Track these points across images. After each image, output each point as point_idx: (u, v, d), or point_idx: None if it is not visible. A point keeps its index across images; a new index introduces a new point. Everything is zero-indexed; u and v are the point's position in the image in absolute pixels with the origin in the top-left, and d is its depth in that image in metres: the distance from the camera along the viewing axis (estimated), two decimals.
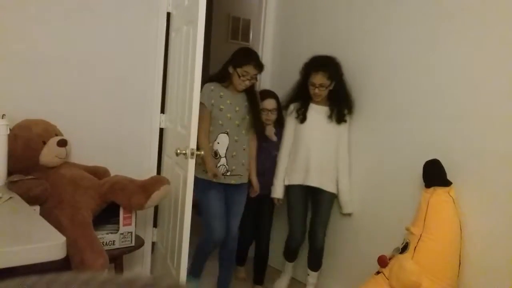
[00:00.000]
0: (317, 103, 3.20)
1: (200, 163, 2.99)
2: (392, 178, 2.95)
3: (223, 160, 3.03)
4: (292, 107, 3.27)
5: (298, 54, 3.58)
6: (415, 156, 2.74)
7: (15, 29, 2.85)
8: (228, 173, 3.05)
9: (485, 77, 2.45)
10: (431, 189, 2.53)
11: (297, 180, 3.23)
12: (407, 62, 2.87)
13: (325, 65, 3.12)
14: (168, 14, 3.36)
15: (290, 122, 3.27)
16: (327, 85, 3.11)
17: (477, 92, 2.48)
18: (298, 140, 3.24)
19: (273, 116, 3.29)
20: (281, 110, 3.35)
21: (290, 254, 3.37)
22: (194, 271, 3.19)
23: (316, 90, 3.11)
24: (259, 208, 3.42)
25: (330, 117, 3.17)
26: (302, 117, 3.20)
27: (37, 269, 1.58)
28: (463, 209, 2.50)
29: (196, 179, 2.77)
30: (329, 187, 3.20)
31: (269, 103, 3.27)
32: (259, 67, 3.03)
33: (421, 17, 2.79)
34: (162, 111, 3.46)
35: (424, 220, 2.50)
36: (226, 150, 3.03)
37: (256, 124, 3.14)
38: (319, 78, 3.10)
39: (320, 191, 3.20)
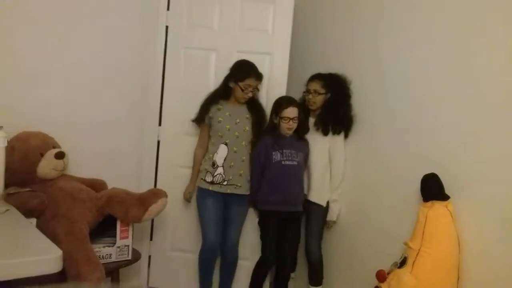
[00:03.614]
0: (313, 115, 3.23)
1: (201, 170, 3.18)
2: (390, 193, 2.94)
3: (220, 170, 3.09)
4: None
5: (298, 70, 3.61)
6: (413, 170, 2.74)
7: (13, 42, 2.86)
8: (225, 183, 3.11)
9: (482, 90, 2.46)
10: (429, 203, 2.52)
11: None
12: (404, 76, 2.88)
13: (322, 74, 3.23)
14: (166, 28, 3.40)
15: None
16: (322, 92, 3.17)
17: (475, 106, 2.49)
18: None
19: (294, 125, 3.06)
20: (302, 118, 3.14)
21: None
22: (202, 282, 3.24)
23: (310, 96, 3.19)
24: (282, 228, 3.16)
25: (315, 125, 3.17)
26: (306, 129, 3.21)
27: (32, 282, 1.57)
28: (461, 223, 2.49)
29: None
30: (317, 199, 3.19)
31: (291, 111, 3.05)
32: (259, 77, 3.12)
33: (415, 31, 2.81)
34: (160, 123, 3.46)
35: (423, 234, 2.49)
36: (224, 160, 3.09)
37: (256, 135, 3.14)
38: (313, 84, 3.20)
39: (309, 202, 3.21)
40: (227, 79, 3.14)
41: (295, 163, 3.09)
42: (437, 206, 2.50)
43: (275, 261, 3.21)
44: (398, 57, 2.93)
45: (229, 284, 3.30)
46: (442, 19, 2.66)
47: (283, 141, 3.09)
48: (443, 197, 2.51)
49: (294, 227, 3.22)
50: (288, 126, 3.05)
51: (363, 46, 3.22)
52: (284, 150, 3.07)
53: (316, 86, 3.19)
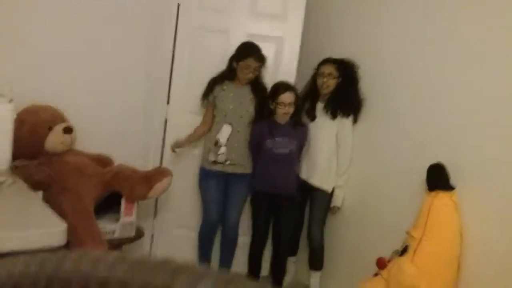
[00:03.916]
0: (322, 100, 3.22)
1: (204, 150, 3.23)
2: (394, 181, 2.94)
3: (223, 149, 3.11)
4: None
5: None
6: (417, 160, 2.74)
7: (26, 17, 2.85)
8: (227, 162, 3.14)
9: (489, 82, 2.44)
10: (434, 193, 2.52)
11: (303, 175, 3.27)
12: (412, 66, 2.85)
13: (334, 58, 3.22)
14: (178, 6, 3.36)
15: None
16: (336, 76, 3.16)
17: (482, 98, 2.47)
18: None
19: (291, 110, 3.05)
20: (298, 104, 3.15)
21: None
22: (200, 257, 3.34)
23: (325, 79, 3.16)
24: (275, 211, 3.21)
25: (325, 108, 3.17)
26: (312, 117, 3.23)
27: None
28: (464, 214, 2.49)
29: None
30: (322, 184, 3.21)
31: (287, 97, 3.04)
32: (260, 59, 3.09)
33: (423, 20, 2.77)
34: (168, 102, 3.45)
35: (425, 223, 2.49)
36: (228, 139, 3.12)
37: (258, 116, 3.15)
38: (327, 68, 3.18)
39: (315, 188, 3.23)
40: (231, 60, 3.14)
41: (286, 151, 3.10)
42: (441, 196, 2.49)
43: (273, 243, 3.28)
44: (409, 46, 2.90)
45: (230, 259, 3.36)
46: (452, 6, 2.62)
47: (278, 129, 3.08)
48: (448, 187, 2.51)
49: (288, 210, 3.19)
50: (283, 111, 3.04)
51: (373, 32, 3.18)
52: (277, 138, 3.07)
53: (330, 69, 3.17)
